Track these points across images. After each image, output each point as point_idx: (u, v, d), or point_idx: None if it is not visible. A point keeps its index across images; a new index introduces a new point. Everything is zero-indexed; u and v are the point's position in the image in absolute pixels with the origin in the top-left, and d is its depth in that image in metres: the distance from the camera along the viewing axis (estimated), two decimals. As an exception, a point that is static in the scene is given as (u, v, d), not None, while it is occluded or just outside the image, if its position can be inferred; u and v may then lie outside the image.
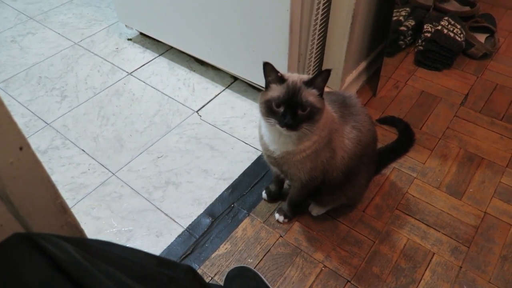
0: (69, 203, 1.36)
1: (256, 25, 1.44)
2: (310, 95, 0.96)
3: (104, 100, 1.75)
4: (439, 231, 1.30)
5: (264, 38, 1.45)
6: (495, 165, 1.48)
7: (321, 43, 1.55)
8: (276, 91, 0.97)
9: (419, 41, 1.95)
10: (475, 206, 1.36)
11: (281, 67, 1.47)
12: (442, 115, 1.68)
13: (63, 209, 0.71)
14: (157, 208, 1.37)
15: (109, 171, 1.48)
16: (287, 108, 0.95)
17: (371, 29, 1.68)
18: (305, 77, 0.99)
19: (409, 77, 1.86)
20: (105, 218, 1.34)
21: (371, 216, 1.34)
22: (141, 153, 1.54)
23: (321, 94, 0.98)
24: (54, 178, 1.43)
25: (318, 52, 1.57)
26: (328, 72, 0.94)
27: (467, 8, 2.17)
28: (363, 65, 1.77)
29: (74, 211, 1.29)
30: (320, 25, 1.47)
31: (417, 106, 1.72)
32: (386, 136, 1.57)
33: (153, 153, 1.54)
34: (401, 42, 1.97)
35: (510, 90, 1.78)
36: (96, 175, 1.47)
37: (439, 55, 1.88)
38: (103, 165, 1.50)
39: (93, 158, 1.52)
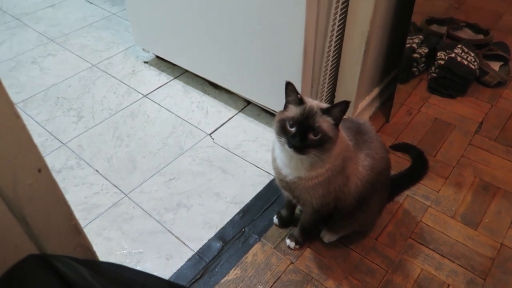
0: (81, 223, 1.35)
1: (271, 51, 1.47)
2: (324, 122, 0.96)
3: (119, 121, 1.78)
4: (454, 262, 1.27)
5: (278, 63, 1.48)
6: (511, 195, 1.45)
7: (334, 69, 1.56)
8: (292, 111, 0.98)
9: (433, 68, 1.96)
10: (491, 236, 1.33)
11: (295, 92, 1.48)
12: (456, 143, 1.66)
13: (77, 231, 0.71)
14: (168, 230, 1.37)
15: (122, 192, 1.49)
16: (299, 130, 0.95)
17: (384, 56, 1.69)
18: (324, 105, 1.00)
19: (423, 104, 1.86)
20: (116, 239, 1.34)
21: (384, 244, 1.32)
22: (153, 175, 1.55)
23: (336, 125, 0.97)
24: (67, 198, 1.44)
25: (332, 78, 1.58)
26: (346, 104, 0.94)
27: (481, 36, 2.18)
28: (376, 91, 1.77)
29: (85, 231, 1.29)
30: (334, 51, 1.49)
31: (431, 133, 1.71)
32: (399, 163, 1.56)
33: (165, 175, 1.55)
34: (414, 69, 1.98)
35: (525, 119, 1.76)
36: (109, 195, 1.48)
37: (452, 82, 1.88)
38: (116, 186, 1.51)
39: (106, 178, 1.54)
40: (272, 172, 1.54)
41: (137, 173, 1.56)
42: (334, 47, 1.47)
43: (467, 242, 1.32)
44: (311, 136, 0.95)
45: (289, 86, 0.99)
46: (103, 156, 1.63)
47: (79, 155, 1.63)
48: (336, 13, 1.36)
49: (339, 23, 1.41)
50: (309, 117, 0.96)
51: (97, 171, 1.57)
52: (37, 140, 1.67)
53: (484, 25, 2.25)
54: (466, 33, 2.21)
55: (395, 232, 1.35)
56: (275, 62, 1.48)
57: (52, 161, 1.60)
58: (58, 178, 1.51)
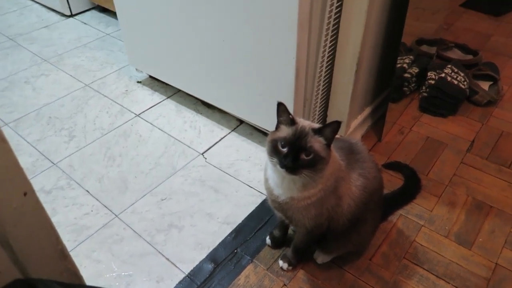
0: (71, 245, 1.34)
1: (263, 71, 1.48)
2: (316, 142, 0.96)
3: (112, 141, 1.77)
4: (449, 283, 1.25)
5: (271, 83, 1.48)
6: (505, 214, 1.45)
7: (326, 89, 1.57)
8: (284, 132, 0.98)
9: (423, 87, 1.98)
10: (485, 256, 1.32)
11: (287, 112, 1.49)
12: (448, 162, 1.67)
13: (63, 255, 0.70)
14: (159, 252, 1.34)
15: (112, 212, 1.47)
16: (291, 150, 0.95)
17: (376, 76, 1.71)
18: (316, 125, 1.00)
19: (414, 122, 1.87)
20: (106, 262, 1.32)
21: (378, 265, 1.30)
22: (145, 195, 1.53)
23: (328, 145, 0.97)
24: (57, 219, 1.44)
25: (324, 98, 1.59)
26: (338, 124, 0.94)
27: (470, 57, 2.21)
28: (368, 110, 1.78)
29: (74, 253, 1.27)
30: (326, 72, 1.50)
31: (423, 152, 1.71)
32: (392, 182, 1.56)
33: (157, 195, 1.53)
34: (406, 89, 2.00)
35: (516, 138, 1.78)
36: (99, 216, 1.46)
37: (443, 102, 1.90)
38: (106, 207, 1.49)
39: (97, 199, 1.52)
40: (265, 191, 1.53)
41: (128, 193, 1.54)
42: (326, 67, 1.49)
43: (461, 262, 1.31)
44: (303, 156, 0.95)
45: (280, 107, 0.99)
46: (94, 176, 1.61)
47: (70, 175, 1.61)
48: (327, 34, 1.38)
49: (330, 44, 1.42)
50: (301, 138, 0.96)
51: (87, 191, 1.55)
52: (27, 160, 1.65)
53: (473, 45, 2.29)
54: (455, 54, 2.25)
55: (389, 253, 1.34)
56: (268, 82, 1.49)
57: (42, 182, 1.58)
58: (48, 198, 1.50)
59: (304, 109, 1.55)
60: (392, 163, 1.64)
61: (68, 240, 1.36)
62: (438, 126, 1.85)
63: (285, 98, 1.46)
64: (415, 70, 2.01)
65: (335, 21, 1.38)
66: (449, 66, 1.98)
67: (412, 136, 1.80)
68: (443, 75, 1.93)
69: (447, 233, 1.39)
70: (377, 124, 1.84)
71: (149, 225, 1.43)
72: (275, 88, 1.48)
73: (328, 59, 1.47)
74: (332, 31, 1.39)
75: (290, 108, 1.47)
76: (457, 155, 1.70)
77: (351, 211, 1.11)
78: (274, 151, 0.98)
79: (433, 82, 1.93)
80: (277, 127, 1.02)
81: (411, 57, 2.08)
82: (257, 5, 1.33)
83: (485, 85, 2.01)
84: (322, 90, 1.55)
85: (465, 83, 1.93)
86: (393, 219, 1.44)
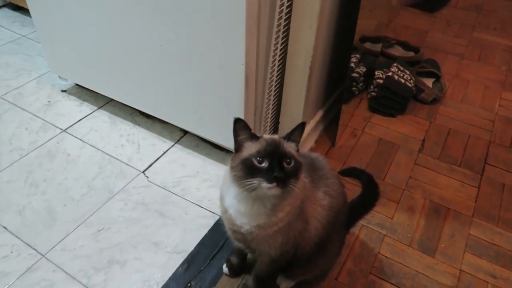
0: (-15, 299, 1.10)
1: (209, 78, 1.32)
2: (290, 148, 0.86)
3: (33, 163, 1.52)
4: (417, 296, 1.20)
5: (218, 91, 1.34)
6: (462, 216, 1.44)
7: (277, 95, 1.46)
8: (253, 147, 0.84)
9: (371, 87, 1.94)
10: (449, 263, 1.29)
11: (237, 123, 1.35)
12: (402, 164, 1.63)
13: None
14: (99, 296, 1.15)
15: (38, 252, 1.24)
16: (273, 161, 0.81)
17: (327, 78, 1.63)
18: (277, 136, 0.90)
19: (366, 124, 1.82)
20: (32, 316, 1.10)
21: (344, 284, 1.21)
22: (78, 227, 1.32)
23: (298, 150, 0.89)
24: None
25: (275, 105, 1.48)
26: (303, 125, 0.88)
27: (411, 53, 2.22)
28: (320, 114, 1.70)
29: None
30: (277, 77, 1.38)
31: (377, 155, 1.67)
32: (350, 190, 1.47)
33: (92, 226, 1.32)
34: (354, 88, 1.95)
35: (462, 135, 1.79)
36: (21, 258, 1.22)
37: (392, 102, 1.87)
38: (30, 246, 1.25)
39: (17, 237, 1.27)
40: (217, 211, 1.38)
41: (57, 226, 1.31)
42: (277, 73, 1.37)
43: (427, 272, 1.26)
44: (286, 165, 0.82)
45: (238, 123, 0.84)
46: (12, 208, 1.35)
47: (-18, 210, 1.34)
48: (277, 37, 1.25)
49: (281, 47, 1.31)
50: (277, 146, 0.83)
51: (5, 228, 1.30)
52: None
53: (413, 42, 2.31)
54: (397, 51, 2.25)
55: (354, 269, 1.25)
56: (215, 90, 1.34)
57: None
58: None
59: (255, 118, 1.41)
60: (349, 169, 1.56)
61: (-19, 292, 1.12)
62: (389, 127, 1.81)
63: (235, 106, 1.32)
64: (362, 69, 1.96)
65: (285, 23, 1.26)
66: (395, 64, 1.95)
67: (365, 138, 1.74)
68: (390, 74, 1.90)
69: (409, 241, 1.35)
70: (329, 128, 1.76)
71: (85, 263, 1.22)
72: (222, 96, 1.34)
73: (279, 64, 1.35)
74: (283, 33, 1.28)
75: (240, 117, 1.34)
76: (410, 156, 1.67)
77: (318, 234, 1.01)
78: (249, 172, 0.82)
79: (381, 81, 1.89)
80: (238, 148, 0.87)
81: (357, 55, 2.03)
82: (199, 6, 1.17)
83: (428, 82, 2.02)
84: (274, 96, 1.43)
85: (411, 81, 1.92)
86: (355, 231, 1.36)
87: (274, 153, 0.82)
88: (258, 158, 0.82)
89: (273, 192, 0.82)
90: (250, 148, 0.85)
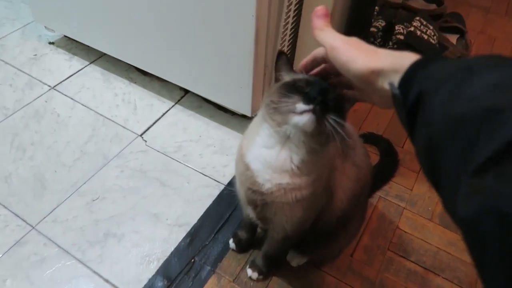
0: (-30, 275, 1.01)
1: (214, 32, 1.16)
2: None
3: (19, 124, 1.38)
4: (438, 275, 1.11)
5: (223, 47, 1.18)
6: (487, 188, 1.33)
7: (290, 53, 1.30)
8: (296, 75, 0.71)
9: (390, 43, 1.76)
10: (473, 239, 1.19)
11: (244, 81, 1.21)
12: (423, 129, 1.50)
13: None
14: (94, 272, 1.05)
15: (27, 223, 1.13)
16: (315, 88, 0.65)
17: (346, 31, 1.46)
18: None
19: (383, 84, 1.67)
20: (22, 293, 1.01)
21: (361, 261, 1.12)
22: (70, 196, 1.20)
23: None
24: None
25: (287, 62, 1.32)
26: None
27: (433, 6, 2.02)
28: (334, 73, 1.54)
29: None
30: (291, 32, 1.22)
31: (396, 120, 1.52)
32: (366, 158, 1.36)
33: (86, 195, 1.21)
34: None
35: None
36: (9, 230, 1.12)
37: (413, 60, 1.70)
38: (18, 216, 1.15)
39: (4, 206, 1.16)
40: (222, 180, 1.27)
41: (47, 195, 1.20)
42: (292, 25, 1.20)
43: (449, 249, 1.17)
44: (329, 98, 0.66)
45: (281, 57, 0.74)
46: (-2, 175, 1.24)
47: (-36, 176, 1.23)
48: (294, -18, 1.08)
49: (297, -5, 1.13)
50: (323, 80, 0.68)
51: (-10, 196, 1.19)
52: None
53: (435, -8, 2.10)
54: (418, 3, 2.04)
55: (372, 245, 1.16)
56: (220, 44, 1.18)
57: None
58: None
59: (264, 78, 1.26)
60: (365, 135, 1.42)
61: (-34, 268, 1.03)
62: (409, 88, 1.66)
63: (242, 64, 1.18)
64: (381, 23, 1.78)
65: (303, -35, 1.08)
66: (417, 18, 1.77)
67: (382, 101, 1.60)
68: (412, 28, 1.72)
69: (430, 215, 1.24)
70: (343, 89, 1.61)
71: (79, 236, 1.12)
72: (229, 52, 1.18)
73: (294, 17, 1.18)
74: (300, -22, 1.10)
75: (248, 77, 1.19)
76: (431, 121, 1.54)
77: (342, 207, 0.89)
78: (288, 92, 0.67)
79: (401, 37, 1.72)
80: (277, 80, 0.75)
81: (376, 7, 1.84)
82: None
83: (452, 39, 1.84)
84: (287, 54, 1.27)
85: (435, 37, 1.74)
86: (373, 203, 1.26)
87: (319, 83, 0.66)
88: (302, 82, 0.67)
89: (305, 120, 0.65)
90: (293, 76, 0.71)
